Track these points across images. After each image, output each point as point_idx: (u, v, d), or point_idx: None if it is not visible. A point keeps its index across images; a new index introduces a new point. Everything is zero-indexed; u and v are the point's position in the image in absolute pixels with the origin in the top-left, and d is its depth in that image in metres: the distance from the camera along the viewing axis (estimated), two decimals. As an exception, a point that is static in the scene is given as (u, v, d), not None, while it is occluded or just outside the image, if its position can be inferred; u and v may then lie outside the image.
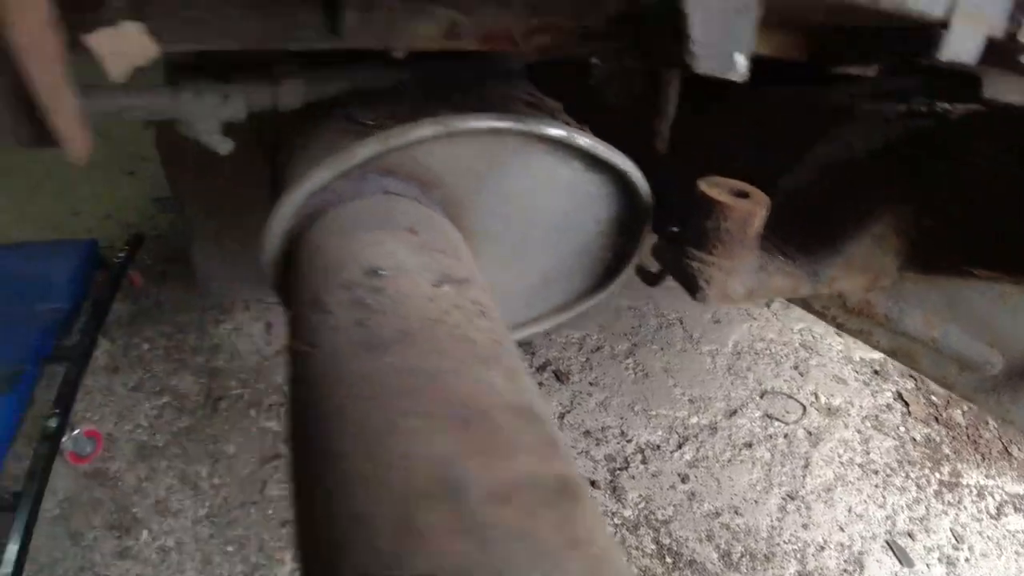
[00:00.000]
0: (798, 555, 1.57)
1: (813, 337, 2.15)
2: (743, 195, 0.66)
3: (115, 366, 1.91)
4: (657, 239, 0.72)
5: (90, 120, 0.37)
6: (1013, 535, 1.69)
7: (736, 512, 1.64)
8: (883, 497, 1.73)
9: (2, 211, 2.55)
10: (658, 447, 1.78)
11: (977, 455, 1.89)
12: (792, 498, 1.70)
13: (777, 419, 1.89)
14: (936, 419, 1.96)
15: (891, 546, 1.62)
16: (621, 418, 1.84)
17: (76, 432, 1.67)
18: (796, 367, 2.04)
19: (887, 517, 1.69)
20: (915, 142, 0.75)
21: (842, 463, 1.80)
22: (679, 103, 0.90)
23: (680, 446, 1.79)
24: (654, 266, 0.78)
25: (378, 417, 0.36)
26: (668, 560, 1.53)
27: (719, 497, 1.67)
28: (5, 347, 1.66)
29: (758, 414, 1.89)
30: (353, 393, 0.38)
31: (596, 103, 1.01)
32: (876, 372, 2.07)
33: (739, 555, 1.55)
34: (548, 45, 0.54)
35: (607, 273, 0.80)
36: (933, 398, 2.03)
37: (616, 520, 1.59)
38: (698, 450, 1.78)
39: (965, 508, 1.74)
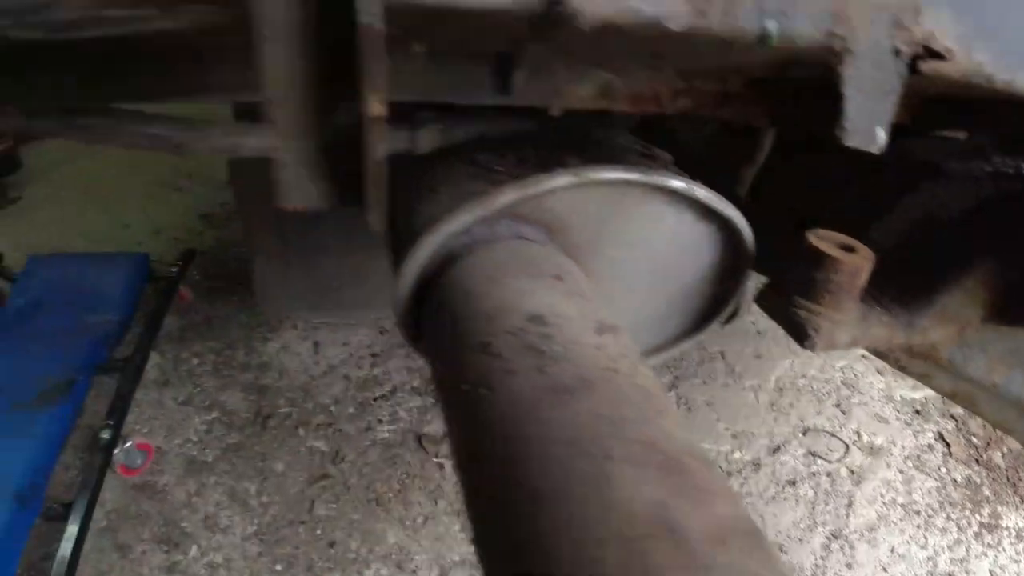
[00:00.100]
0: (844, 595, 1.57)
1: (855, 375, 2.16)
2: (849, 249, 0.68)
3: (165, 379, 1.94)
4: (760, 286, 0.74)
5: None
6: (1053, 579, 1.68)
7: (780, 550, 1.63)
8: (924, 538, 1.73)
9: (53, 223, 2.61)
10: (702, 481, 1.78)
11: (1016, 497, 1.88)
12: (836, 537, 1.69)
13: (820, 457, 1.88)
14: (977, 460, 1.96)
15: (934, 588, 1.61)
16: (665, 451, 1.84)
17: (128, 444, 1.68)
18: (838, 405, 2.05)
19: (928, 558, 1.68)
20: (1005, 202, 0.78)
21: (885, 503, 1.79)
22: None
23: (724, 481, 1.79)
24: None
25: (584, 462, 0.38)
26: (715, 597, 1.52)
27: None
28: (58, 357, 1.68)
29: (801, 451, 1.89)
30: (551, 437, 0.40)
31: (669, 144, 1.04)
32: (917, 412, 2.07)
33: (785, 594, 1.55)
34: (690, 107, 0.57)
35: (702, 317, 0.83)
36: (973, 439, 2.02)
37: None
38: (742, 486, 1.78)
39: (1004, 550, 1.73)
